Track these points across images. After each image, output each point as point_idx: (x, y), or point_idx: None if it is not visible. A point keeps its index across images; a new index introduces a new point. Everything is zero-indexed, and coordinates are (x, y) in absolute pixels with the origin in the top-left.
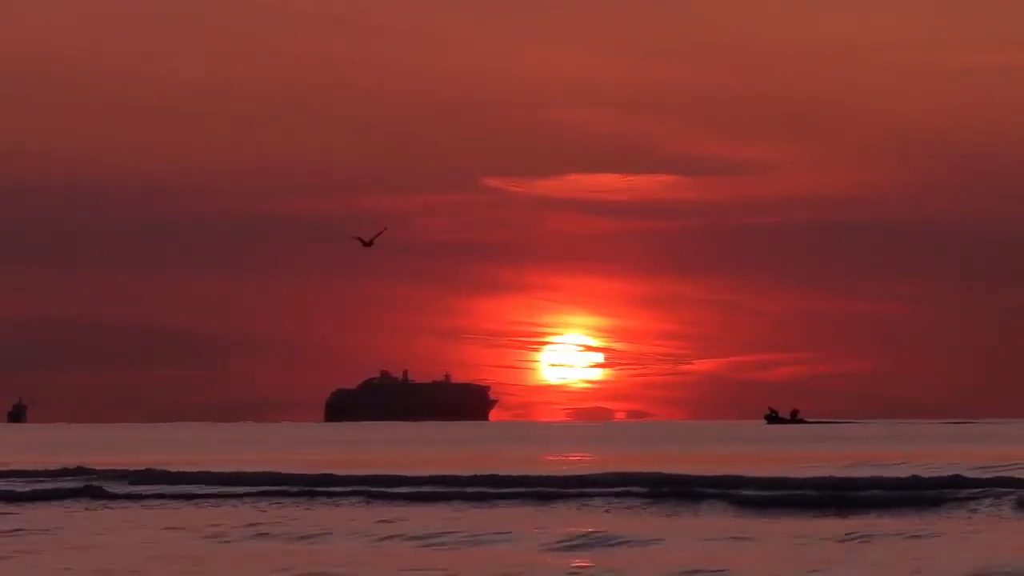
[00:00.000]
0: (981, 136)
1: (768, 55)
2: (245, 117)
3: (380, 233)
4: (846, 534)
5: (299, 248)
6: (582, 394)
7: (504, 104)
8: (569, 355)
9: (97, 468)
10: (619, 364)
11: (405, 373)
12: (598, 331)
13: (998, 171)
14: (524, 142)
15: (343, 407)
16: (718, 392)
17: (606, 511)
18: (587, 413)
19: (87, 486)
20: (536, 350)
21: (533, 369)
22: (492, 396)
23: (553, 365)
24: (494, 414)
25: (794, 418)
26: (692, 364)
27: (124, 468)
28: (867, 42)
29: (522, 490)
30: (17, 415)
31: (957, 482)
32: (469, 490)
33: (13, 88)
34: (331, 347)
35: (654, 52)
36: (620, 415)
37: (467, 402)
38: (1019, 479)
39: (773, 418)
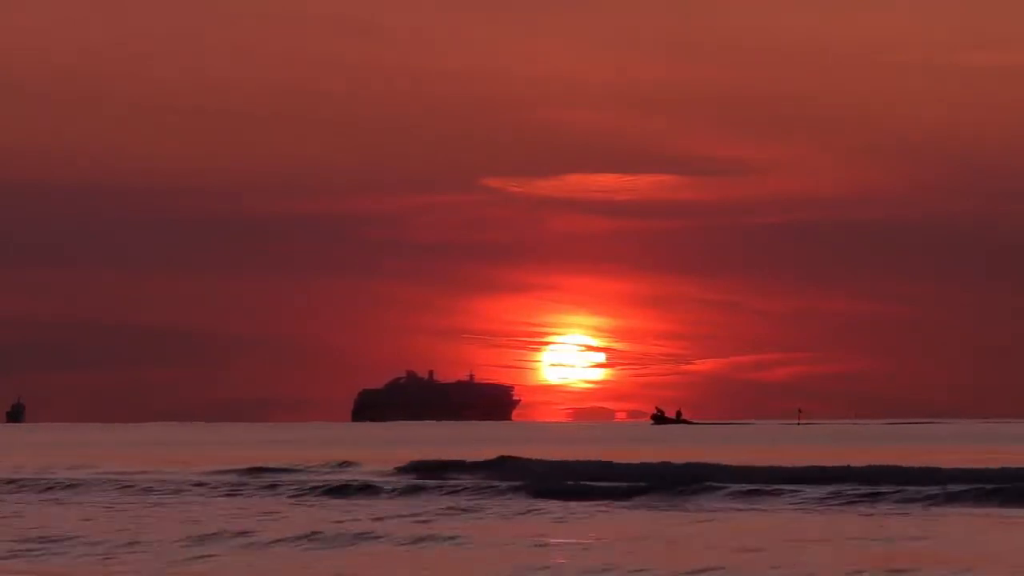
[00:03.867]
0: (981, 136)
1: (768, 55)
2: (246, 117)
3: None
4: None
5: (298, 248)
6: (583, 394)
7: (504, 104)
8: (570, 355)
9: None
10: (620, 364)
11: (431, 373)
12: (599, 331)
13: (998, 171)
14: (524, 142)
15: (370, 407)
16: (719, 392)
17: None
18: (588, 413)
19: None
20: (537, 350)
21: (534, 369)
22: (515, 396)
23: (554, 365)
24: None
25: (679, 419)
26: (693, 364)
27: None
28: (867, 42)
29: None
30: (15, 415)
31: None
32: None
33: (14, 88)
34: (330, 347)
35: (655, 52)
36: (621, 415)
37: (491, 401)
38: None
39: (659, 418)
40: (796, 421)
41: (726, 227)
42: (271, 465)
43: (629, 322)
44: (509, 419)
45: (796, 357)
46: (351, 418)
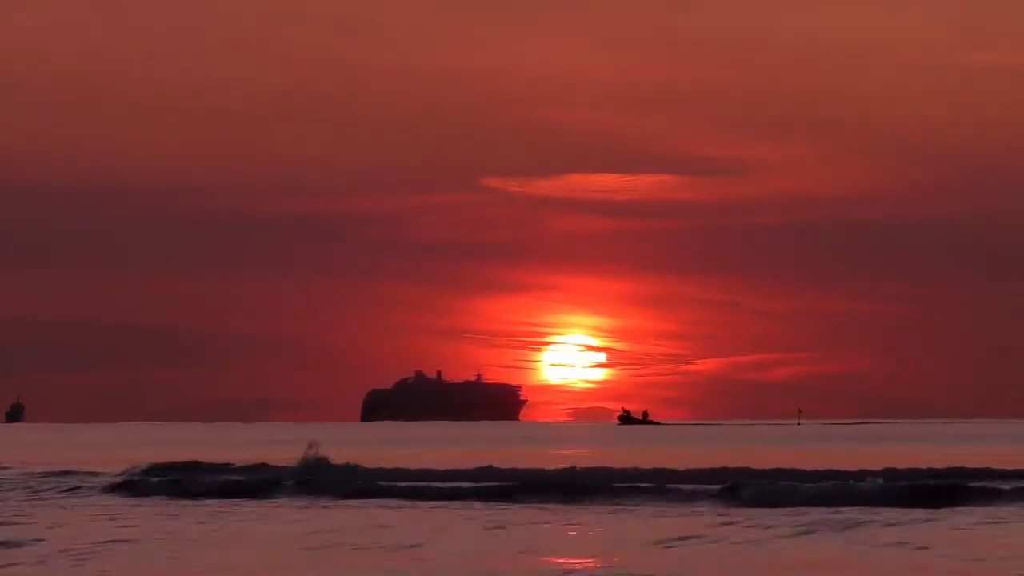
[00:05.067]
0: (981, 136)
1: (767, 55)
2: (246, 117)
3: None
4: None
5: (298, 248)
6: (583, 394)
7: (504, 104)
8: (570, 355)
9: None
10: (620, 364)
11: (439, 373)
12: (599, 331)
13: (998, 171)
14: (524, 142)
15: (379, 407)
16: (719, 392)
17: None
18: (588, 413)
19: None
20: (537, 350)
21: (534, 369)
22: (522, 396)
23: (554, 365)
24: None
25: (645, 419)
26: (693, 364)
27: None
28: (866, 42)
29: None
30: (15, 415)
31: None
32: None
33: (14, 88)
34: (330, 347)
35: (654, 52)
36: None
37: (498, 402)
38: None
39: (626, 419)
40: (796, 421)
41: (726, 227)
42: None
43: (629, 322)
44: (517, 419)
45: (796, 357)
46: (360, 418)
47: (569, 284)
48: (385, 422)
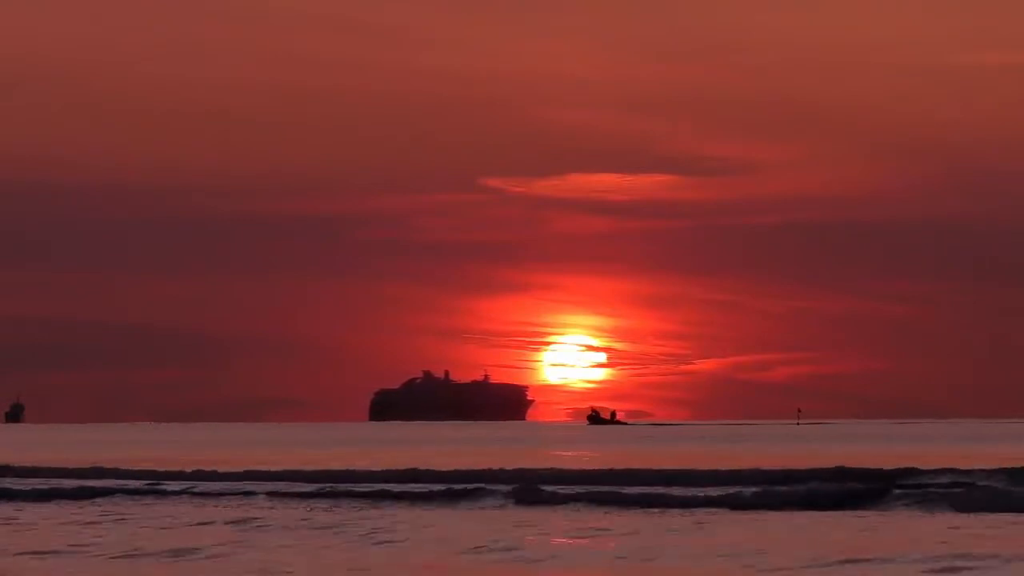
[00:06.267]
0: (981, 136)
1: (769, 55)
2: (246, 118)
3: None
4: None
5: (298, 248)
6: (583, 394)
7: (504, 104)
8: (571, 355)
9: None
10: (621, 364)
11: (446, 373)
12: (599, 331)
13: (998, 171)
14: (524, 142)
15: (386, 407)
16: (719, 392)
17: None
18: (587, 413)
19: None
20: (537, 350)
21: (534, 369)
22: (529, 397)
23: (555, 365)
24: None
25: (613, 420)
26: (694, 364)
27: None
28: (867, 42)
29: None
30: (15, 415)
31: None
32: None
33: (14, 88)
34: (331, 347)
35: (654, 52)
36: (621, 416)
37: (505, 402)
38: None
39: (595, 419)
40: (795, 421)
41: (726, 227)
42: None
43: (629, 322)
44: (523, 419)
45: (796, 357)
46: (368, 418)
47: (569, 284)
48: (393, 422)
